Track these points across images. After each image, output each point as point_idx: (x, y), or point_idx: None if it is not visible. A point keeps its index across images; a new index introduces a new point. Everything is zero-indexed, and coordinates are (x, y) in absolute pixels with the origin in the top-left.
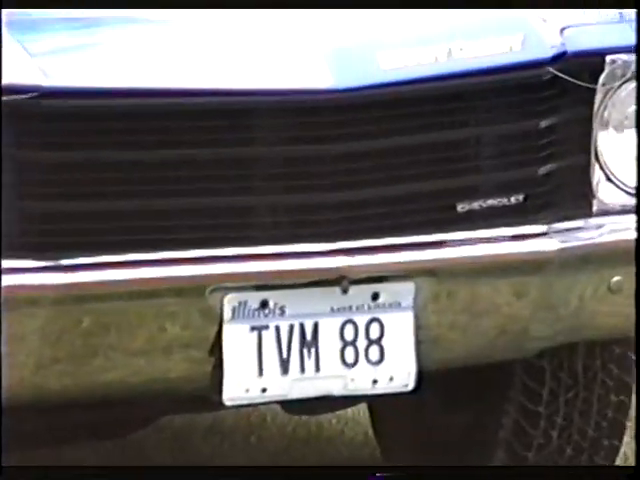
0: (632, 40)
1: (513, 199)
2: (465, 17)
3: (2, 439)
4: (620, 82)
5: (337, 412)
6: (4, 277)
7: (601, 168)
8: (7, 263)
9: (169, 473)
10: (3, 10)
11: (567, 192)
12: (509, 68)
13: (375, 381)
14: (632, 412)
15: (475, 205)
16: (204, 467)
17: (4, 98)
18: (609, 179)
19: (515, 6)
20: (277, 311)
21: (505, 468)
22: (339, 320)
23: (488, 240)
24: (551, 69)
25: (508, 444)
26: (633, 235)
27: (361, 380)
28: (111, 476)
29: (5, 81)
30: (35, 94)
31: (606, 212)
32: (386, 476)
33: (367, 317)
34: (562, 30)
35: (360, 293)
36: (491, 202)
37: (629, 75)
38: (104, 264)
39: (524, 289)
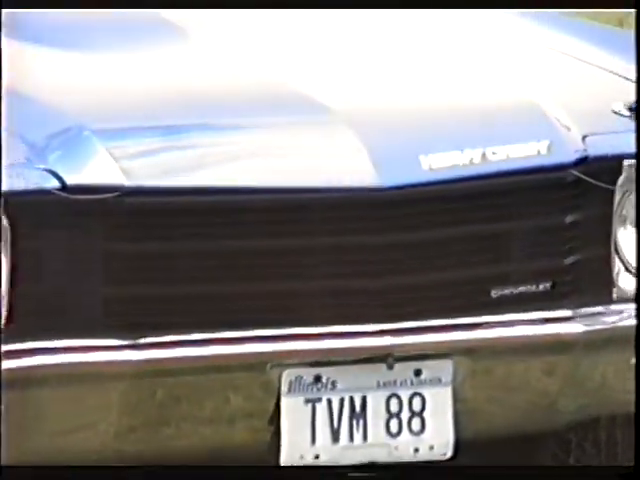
0: None
1: (542, 286)
2: (497, 122)
3: (2, 439)
4: (636, 184)
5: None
6: (90, 354)
7: (620, 260)
8: (91, 342)
9: (170, 473)
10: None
11: (590, 280)
12: (537, 170)
13: (417, 450)
14: None
15: (507, 291)
16: (205, 467)
17: (92, 197)
18: (628, 270)
19: (516, 6)
20: (329, 385)
21: (506, 468)
22: (385, 394)
23: (519, 322)
24: (574, 172)
25: None
26: None
27: (404, 449)
28: (111, 476)
29: (92, 181)
30: (118, 193)
31: (626, 299)
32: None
33: (410, 391)
34: (584, 137)
35: (404, 369)
36: (522, 288)
37: None
38: (176, 342)
39: (552, 367)
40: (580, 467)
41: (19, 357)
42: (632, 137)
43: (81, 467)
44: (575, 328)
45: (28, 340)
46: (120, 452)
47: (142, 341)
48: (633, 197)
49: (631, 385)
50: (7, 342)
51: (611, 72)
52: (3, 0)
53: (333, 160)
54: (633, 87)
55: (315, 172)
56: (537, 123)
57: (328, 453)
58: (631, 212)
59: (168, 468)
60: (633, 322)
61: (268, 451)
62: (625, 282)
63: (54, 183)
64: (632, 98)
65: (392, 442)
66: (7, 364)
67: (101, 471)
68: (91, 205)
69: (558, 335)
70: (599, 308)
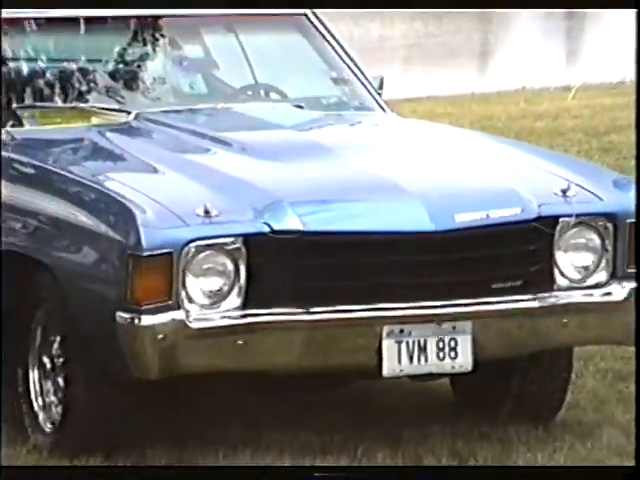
0: (571, 210)
1: (518, 282)
2: (495, 197)
3: (2, 439)
4: (565, 231)
5: (436, 381)
6: (284, 316)
7: (558, 269)
8: (285, 309)
9: (167, 473)
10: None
11: (542, 279)
12: (515, 223)
13: (453, 367)
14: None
15: (500, 285)
16: (203, 467)
17: (286, 236)
18: (562, 274)
19: (517, 6)
20: (407, 334)
21: (506, 468)
22: (436, 339)
23: (506, 302)
24: (534, 224)
25: (514, 395)
26: (574, 300)
27: (446, 367)
28: (109, 476)
29: (286, 228)
30: (299, 234)
31: (560, 289)
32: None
33: (449, 337)
34: (539, 206)
35: (446, 326)
36: (507, 284)
37: (569, 227)
38: (330, 311)
39: (522, 325)
40: (580, 467)
41: (249, 317)
42: (564, 206)
43: (80, 467)
44: (534, 304)
45: (253, 308)
46: (298, 365)
47: (311, 310)
48: (564, 237)
49: (561, 334)
50: (245, 309)
51: (553, 174)
52: (3, 0)
53: (409, 217)
54: (564, 182)
55: (400, 222)
56: (515, 198)
57: (407, 369)
58: (562, 245)
59: (166, 468)
60: (564, 301)
61: (376, 368)
62: (560, 281)
63: (267, 229)
64: (563, 187)
65: (440, 363)
66: (244, 321)
67: (100, 471)
68: (286, 240)
69: (525, 308)
70: (546, 294)
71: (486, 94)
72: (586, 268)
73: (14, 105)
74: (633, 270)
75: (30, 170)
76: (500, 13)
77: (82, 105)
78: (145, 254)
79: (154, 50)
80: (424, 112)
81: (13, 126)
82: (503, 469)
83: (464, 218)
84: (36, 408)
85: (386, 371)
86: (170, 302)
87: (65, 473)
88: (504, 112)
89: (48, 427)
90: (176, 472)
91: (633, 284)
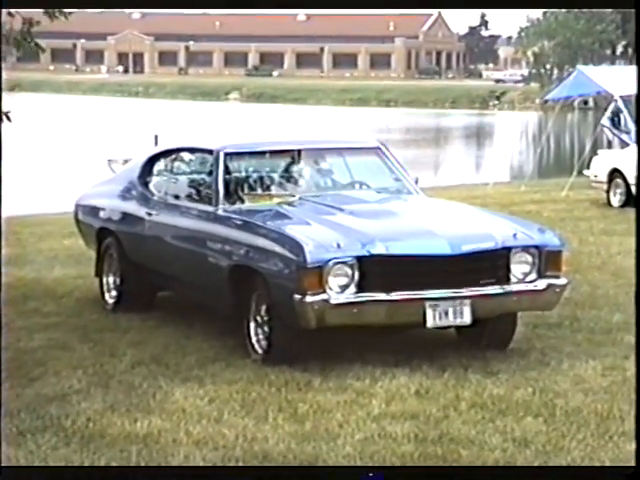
0: (517, 244)
1: (493, 280)
2: (482, 237)
3: (2, 439)
4: (515, 254)
5: (450, 329)
6: (373, 296)
7: (512, 273)
8: (376, 293)
9: (164, 474)
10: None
11: (504, 278)
12: (491, 250)
13: (460, 322)
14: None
15: (484, 281)
16: (200, 467)
17: (375, 258)
18: (514, 276)
19: (519, 6)
20: (439, 306)
21: (506, 468)
22: (453, 308)
23: (487, 289)
24: (500, 251)
25: (487, 335)
26: (519, 288)
27: (457, 322)
28: (109, 476)
29: (379, 253)
30: (383, 256)
31: (512, 283)
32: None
33: (459, 307)
34: (502, 242)
35: (458, 302)
36: (488, 280)
37: (517, 252)
38: (400, 294)
39: (494, 301)
40: (580, 467)
41: (359, 297)
42: (514, 242)
43: (79, 467)
44: (500, 290)
45: (362, 293)
46: (383, 322)
47: (390, 294)
48: (514, 259)
49: (512, 305)
50: (357, 293)
51: (508, 225)
52: (3, 0)
53: (439, 247)
54: (513, 229)
55: (434, 249)
56: (491, 238)
57: (438, 323)
58: (514, 260)
59: (166, 468)
60: (515, 289)
61: (423, 323)
62: (513, 279)
63: (367, 253)
64: (514, 232)
65: (454, 320)
66: (357, 300)
67: (99, 471)
68: (377, 259)
69: (496, 292)
70: (506, 286)
71: (449, 186)
72: (525, 273)
73: (239, 193)
74: (549, 273)
75: (247, 224)
76: (450, 144)
77: (271, 193)
78: (309, 266)
79: (305, 164)
80: (435, 194)
81: (239, 203)
82: (503, 469)
83: (466, 248)
84: (254, 341)
85: (429, 324)
86: (320, 290)
87: (64, 473)
88: (458, 196)
89: (259, 352)
90: (174, 473)
91: (549, 280)
